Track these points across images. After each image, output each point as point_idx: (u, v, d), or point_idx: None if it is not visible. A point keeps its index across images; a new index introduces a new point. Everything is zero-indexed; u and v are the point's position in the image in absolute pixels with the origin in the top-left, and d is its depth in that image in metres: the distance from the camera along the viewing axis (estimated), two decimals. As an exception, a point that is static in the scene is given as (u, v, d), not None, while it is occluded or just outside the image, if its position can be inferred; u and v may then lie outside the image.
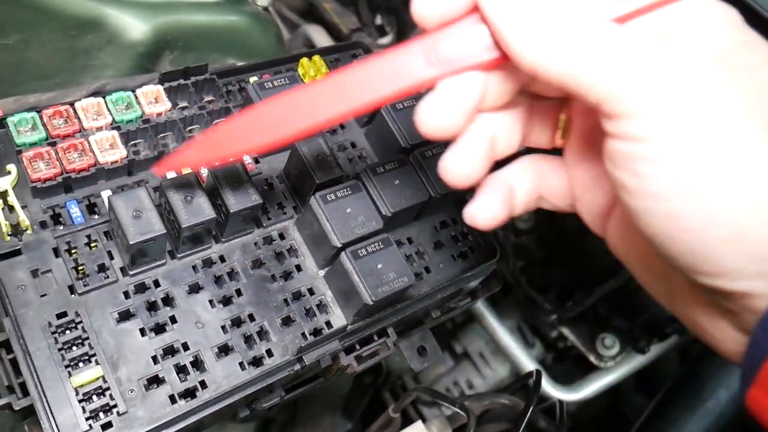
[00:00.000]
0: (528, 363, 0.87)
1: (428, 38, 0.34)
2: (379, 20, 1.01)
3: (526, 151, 0.40)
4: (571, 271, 0.81)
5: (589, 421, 1.19)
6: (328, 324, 0.50)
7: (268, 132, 0.36)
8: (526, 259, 0.88)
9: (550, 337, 0.92)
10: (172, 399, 0.44)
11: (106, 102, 0.50)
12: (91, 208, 0.48)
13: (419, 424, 0.64)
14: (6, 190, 0.45)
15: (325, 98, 0.35)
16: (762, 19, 0.66)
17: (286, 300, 0.50)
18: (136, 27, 0.62)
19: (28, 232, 0.45)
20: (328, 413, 0.79)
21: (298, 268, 0.51)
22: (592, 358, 0.84)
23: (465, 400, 0.70)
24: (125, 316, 0.45)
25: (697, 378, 0.80)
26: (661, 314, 0.77)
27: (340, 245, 0.49)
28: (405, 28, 0.96)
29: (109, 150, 0.48)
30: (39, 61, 0.60)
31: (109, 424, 0.42)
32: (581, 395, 0.86)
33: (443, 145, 0.57)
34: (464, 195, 0.58)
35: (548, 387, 0.86)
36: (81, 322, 0.44)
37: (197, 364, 0.45)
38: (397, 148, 0.56)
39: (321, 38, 1.04)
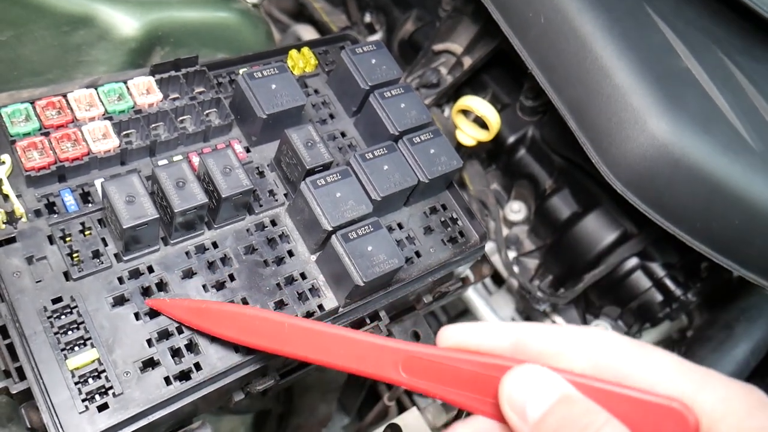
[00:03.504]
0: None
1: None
2: (368, 18, 1.02)
3: None
4: (562, 260, 0.82)
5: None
6: (321, 307, 0.51)
7: (244, 335, 0.42)
8: (518, 250, 0.89)
9: (544, 328, 0.93)
10: (167, 381, 0.44)
11: (98, 93, 0.51)
12: (85, 197, 0.49)
13: (414, 410, 0.65)
14: (0, 180, 0.46)
15: (302, 340, 0.39)
16: (761, 19, 0.68)
17: (278, 284, 0.50)
18: (127, 23, 0.63)
19: (23, 220, 0.46)
20: (324, 404, 0.80)
21: (290, 253, 0.52)
22: (585, 346, 0.85)
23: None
24: (120, 300, 0.46)
25: (691, 361, 0.81)
26: (651, 300, 0.78)
27: (330, 229, 0.49)
28: (393, 26, 0.97)
29: (102, 140, 0.49)
30: (32, 57, 0.61)
31: (105, 406, 0.42)
32: (575, 383, 0.87)
33: (431, 131, 0.59)
34: (453, 180, 0.59)
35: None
36: (76, 306, 0.44)
37: (191, 346, 0.46)
38: (386, 135, 0.57)
39: (311, 37, 1.05)
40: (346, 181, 0.51)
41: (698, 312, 0.95)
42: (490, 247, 0.90)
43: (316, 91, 0.61)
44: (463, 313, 1.02)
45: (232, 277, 0.49)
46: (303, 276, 0.51)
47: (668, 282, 0.77)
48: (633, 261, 0.78)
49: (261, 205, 0.53)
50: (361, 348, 0.37)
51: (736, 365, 0.82)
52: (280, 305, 0.50)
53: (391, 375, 0.36)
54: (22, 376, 0.42)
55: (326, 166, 0.52)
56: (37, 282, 0.45)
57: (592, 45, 0.61)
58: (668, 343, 1.02)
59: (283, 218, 0.53)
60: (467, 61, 0.84)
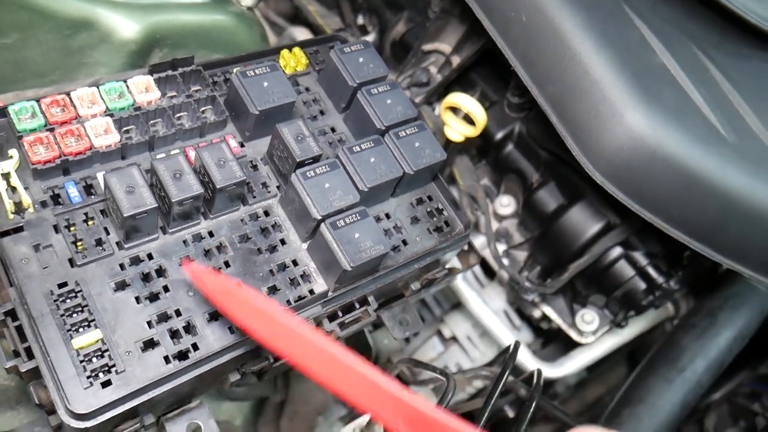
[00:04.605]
0: (512, 341, 0.90)
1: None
2: (360, 20, 1.05)
3: None
4: (549, 252, 0.85)
5: (587, 408, 1.22)
6: (311, 292, 0.53)
7: (262, 330, 0.42)
8: (508, 242, 0.92)
9: (535, 318, 0.95)
10: (167, 359, 0.47)
11: (99, 91, 0.54)
12: (88, 189, 0.52)
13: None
14: (9, 173, 0.49)
15: (316, 357, 0.39)
16: (735, 15, 0.71)
17: (271, 271, 0.53)
18: (127, 26, 0.66)
19: (30, 210, 0.49)
20: (321, 391, 0.82)
21: (283, 241, 0.55)
22: (573, 335, 0.87)
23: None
24: (121, 285, 0.49)
25: (676, 348, 0.84)
26: (635, 288, 0.80)
27: (319, 217, 0.52)
28: (385, 27, 1.00)
29: (104, 135, 0.52)
30: (36, 59, 0.64)
31: (108, 382, 0.45)
32: (564, 371, 0.90)
33: (417, 126, 0.61)
34: (438, 172, 0.62)
35: (531, 363, 0.89)
36: (80, 291, 0.47)
37: (189, 328, 0.49)
38: (374, 130, 0.60)
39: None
40: (334, 173, 0.54)
41: (685, 300, 0.98)
42: (480, 240, 0.93)
43: (307, 89, 0.64)
44: (457, 305, 1.05)
45: (227, 264, 0.52)
46: (295, 263, 0.54)
47: (651, 270, 0.80)
48: (617, 251, 0.81)
49: (254, 197, 0.56)
50: (371, 388, 0.37)
51: (719, 352, 0.84)
52: (272, 290, 0.53)
53: (389, 419, 0.36)
54: (30, 356, 0.45)
55: (316, 159, 0.55)
56: (43, 268, 0.47)
57: (570, 42, 0.64)
58: (661, 334, 1.05)
59: (276, 209, 0.56)
60: (456, 60, 0.86)
